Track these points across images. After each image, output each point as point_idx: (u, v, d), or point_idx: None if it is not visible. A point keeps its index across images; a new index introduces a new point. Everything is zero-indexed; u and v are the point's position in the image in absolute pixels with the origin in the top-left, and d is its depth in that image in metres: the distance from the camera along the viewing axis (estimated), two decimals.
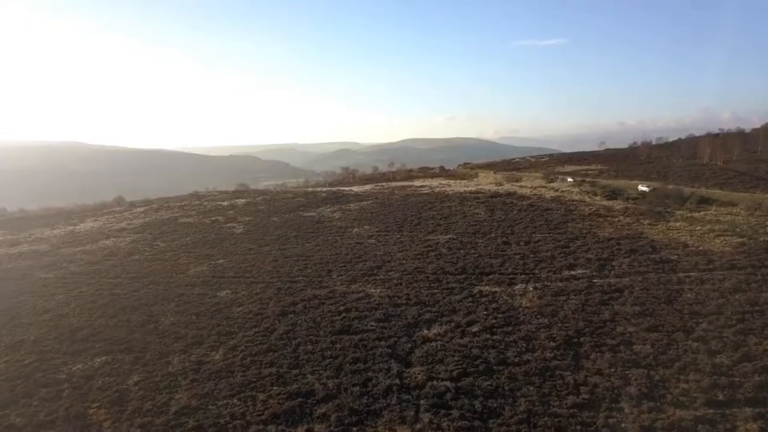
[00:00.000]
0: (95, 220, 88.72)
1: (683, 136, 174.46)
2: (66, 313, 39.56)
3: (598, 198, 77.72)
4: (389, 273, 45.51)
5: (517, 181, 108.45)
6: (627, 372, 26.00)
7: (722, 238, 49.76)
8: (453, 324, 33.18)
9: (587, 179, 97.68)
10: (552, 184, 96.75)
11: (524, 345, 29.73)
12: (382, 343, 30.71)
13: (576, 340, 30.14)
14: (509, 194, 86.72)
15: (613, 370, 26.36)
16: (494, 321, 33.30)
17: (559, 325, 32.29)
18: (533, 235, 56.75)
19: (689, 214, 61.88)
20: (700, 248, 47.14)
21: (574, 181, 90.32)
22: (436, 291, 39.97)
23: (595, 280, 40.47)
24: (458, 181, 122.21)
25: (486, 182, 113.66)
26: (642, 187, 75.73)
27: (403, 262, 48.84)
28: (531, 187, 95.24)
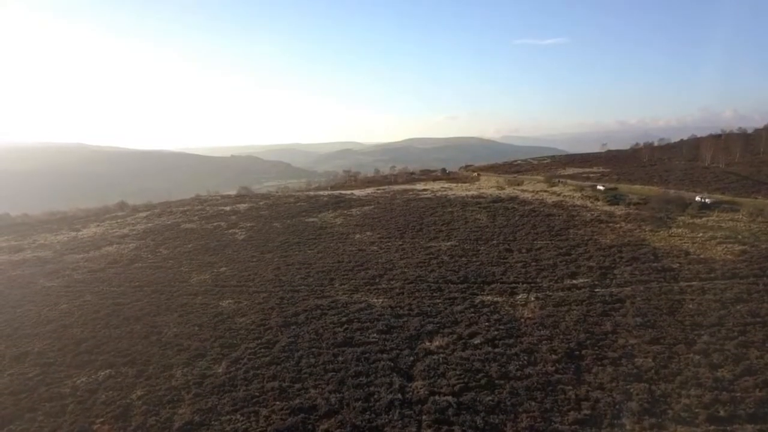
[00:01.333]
0: (98, 225, 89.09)
1: (685, 136, 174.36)
2: (70, 324, 39.78)
3: (599, 203, 77.67)
4: (391, 282, 45.62)
5: (518, 184, 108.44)
6: (628, 386, 26.04)
7: (724, 245, 49.71)
8: (455, 336, 33.26)
9: (591, 183, 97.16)
10: (554, 188, 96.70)
11: (526, 358, 29.78)
12: (384, 356, 30.81)
13: (577, 352, 30.20)
14: (511, 199, 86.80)
15: (614, 384, 26.42)
16: (496, 333, 33.35)
17: (561, 337, 32.35)
18: (535, 242, 56.79)
19: (691, 220, 61.81)
20: (702, 256, 47.11)
21: (605, 189, 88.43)
22: (438, 301, 40.06)
23: (596, 290, 40.50)
24: (460, 184, 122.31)
25: (488, 186, 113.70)
26: (699, 198, 71.93)
27: (405, 270, 48.94)
28: (533, 191, 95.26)
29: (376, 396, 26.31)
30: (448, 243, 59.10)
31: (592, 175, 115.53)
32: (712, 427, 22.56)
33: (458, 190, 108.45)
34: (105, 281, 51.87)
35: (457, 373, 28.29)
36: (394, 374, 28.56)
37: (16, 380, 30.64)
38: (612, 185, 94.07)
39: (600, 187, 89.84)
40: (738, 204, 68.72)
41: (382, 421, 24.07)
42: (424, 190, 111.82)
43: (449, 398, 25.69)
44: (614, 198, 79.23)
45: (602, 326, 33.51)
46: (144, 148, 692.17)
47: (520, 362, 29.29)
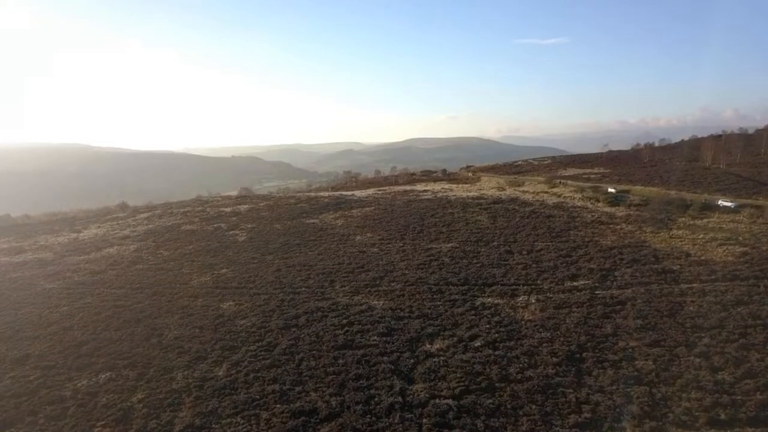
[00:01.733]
0: (99, 226, 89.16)
1: (686, 137, 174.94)
2: (70, 326, 39.80)
3: (600, 204, 77.68)
4: (392, 284, 45.63)
5: (519, 185, 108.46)
6: (629, 389, 26.04)
7: (725, 247, 49.70)
8: (455, 338, 33.26)
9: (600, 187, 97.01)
10: (555, 189, 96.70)
11: (526, 360, 29.77)
12: (385, 358, 30.82)
13: (578, 355, 30.20)
14: (512, 200, 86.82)
15: (615, 387, 26.40)
16: (497, 335, 33.36)
17: (561, 339, 32.35)
18: (536, 243, 56.80)
19: (691, 222, 61.80)
20: (703, 258, 47.10)
21: (616, 191, 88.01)
22: (438, 303, 40.06)
23: (597, 292, 40.50)
24: (461, 185, 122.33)
25: (488, 187, 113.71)
26: (724, 203, 69.10)
27: (406, 272, 48.96)
28: (533, 193, 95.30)
29: (376, 399, 26.31)
30: (449, 244, 59.12)
31: (593, 176, 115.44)
32: (712, 431, 22.58)
33: (459, 191, 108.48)
34: (106, 283, 51.92)
35: (458, 375, 28.30)
36: (395, 377, 28.57)
37: (16, 383, 30.64)
38: (624, 187, 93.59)
39: (611, 190, 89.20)
40: (754, 206, 66.60)
41: (382, 425, 24.08)
42: (425, 191, 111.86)
43: (450, 401, 25.69)
44: (615, 199, 79.18)
45: (603, 328, 33.52)
46: (145, 149, 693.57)
47: (521, 365, 29.28)
